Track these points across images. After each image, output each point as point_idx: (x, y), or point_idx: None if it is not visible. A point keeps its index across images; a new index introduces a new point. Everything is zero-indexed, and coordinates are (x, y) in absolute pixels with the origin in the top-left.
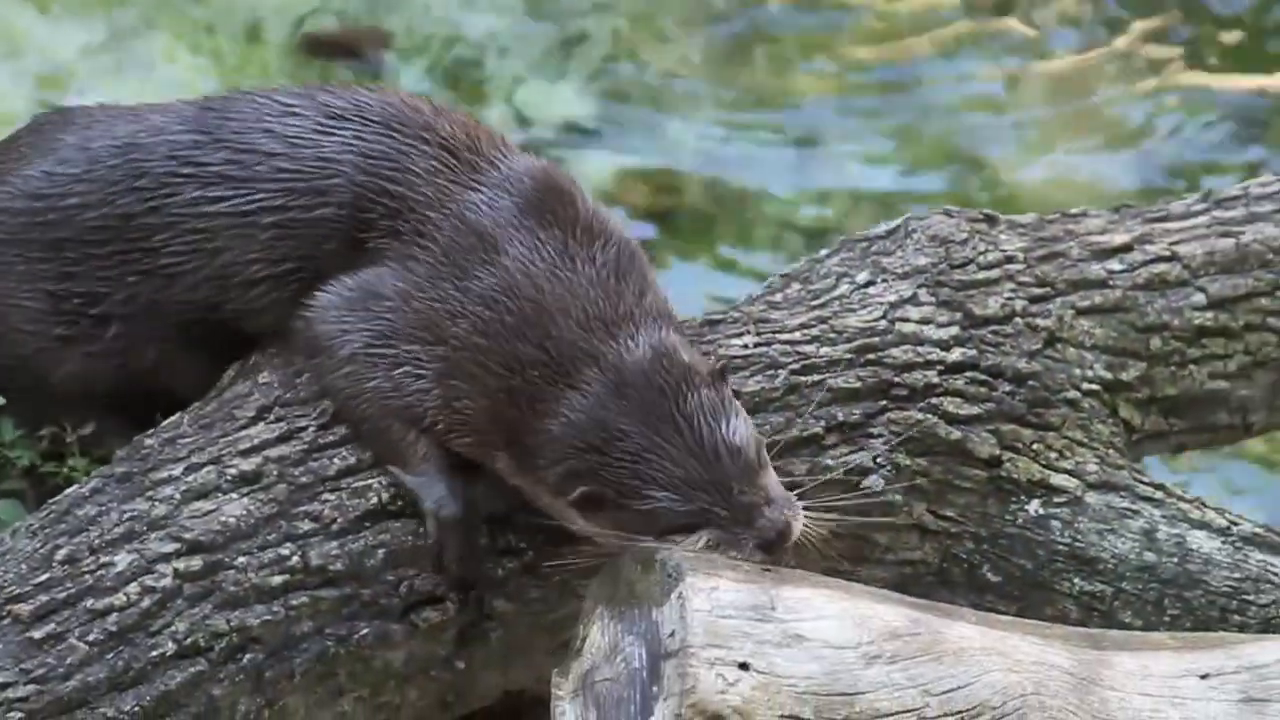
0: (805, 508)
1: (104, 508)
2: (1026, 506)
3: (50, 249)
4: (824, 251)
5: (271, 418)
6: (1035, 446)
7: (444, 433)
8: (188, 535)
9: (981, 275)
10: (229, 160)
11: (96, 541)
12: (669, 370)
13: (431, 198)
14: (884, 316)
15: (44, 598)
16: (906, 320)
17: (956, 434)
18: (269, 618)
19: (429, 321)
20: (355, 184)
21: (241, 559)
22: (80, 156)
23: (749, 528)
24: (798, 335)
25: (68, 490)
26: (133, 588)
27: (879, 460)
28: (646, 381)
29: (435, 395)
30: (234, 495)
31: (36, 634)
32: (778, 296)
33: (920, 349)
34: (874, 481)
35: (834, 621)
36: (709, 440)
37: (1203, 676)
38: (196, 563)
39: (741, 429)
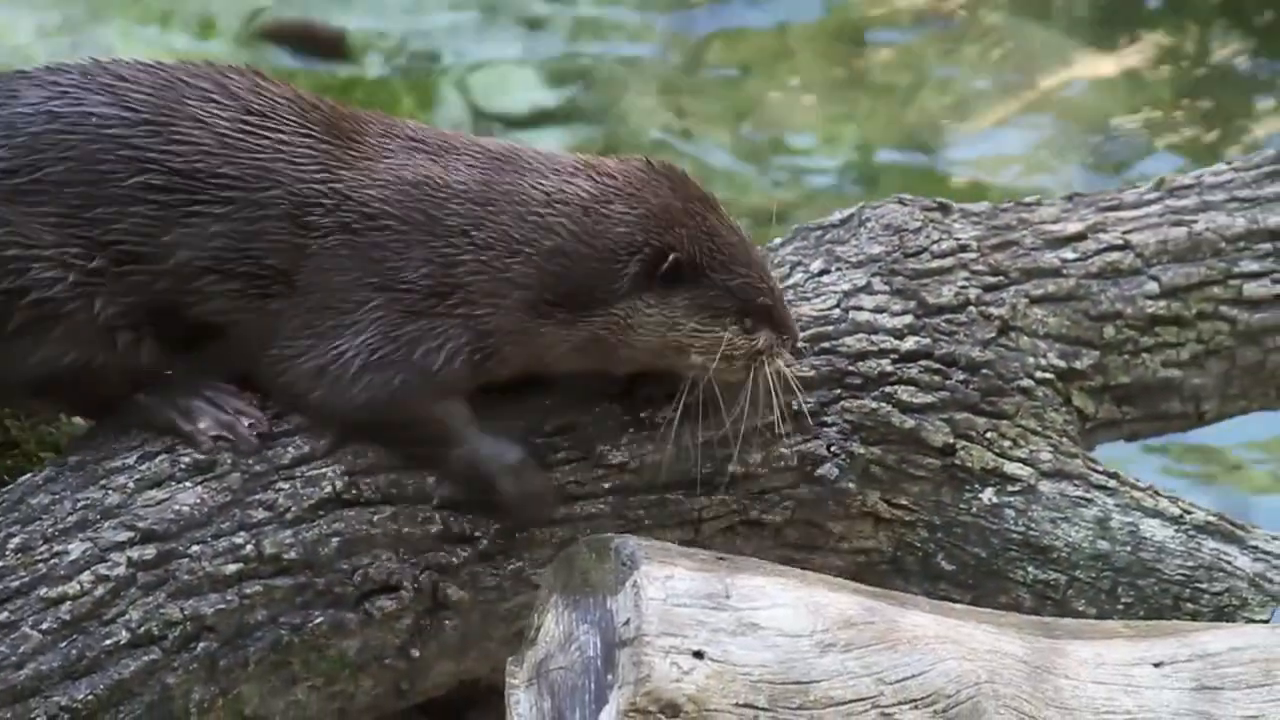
0: None
1: (57, 496)
2: (980, 495)
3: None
4: (778, 240)
5: None
6: (989, 435)
7: (490, 367)
8: (141, 524)
9: (935, 264)
10: (173, 148)
11: (50, 530)
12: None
13: (361, 180)
14: (838, 305)
15: None
16: (860, 309)
17: (910, 422)
18: (223, 606)
19: (429, 289)
20: (292, 193)
21: (195, 547)
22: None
23: (788, 327)
24: None
25: (21, 479)
26: (86, 576)
27: (833, 449)
28: (682, 179)
29: (466, 344)
30: (188, 484)
31: None
32: None
33: (874, 337)
34: (828, 470)
35: (789, 610)
36: (745, 235)
37: (1156, 665)
38: (150, 551)
39: None
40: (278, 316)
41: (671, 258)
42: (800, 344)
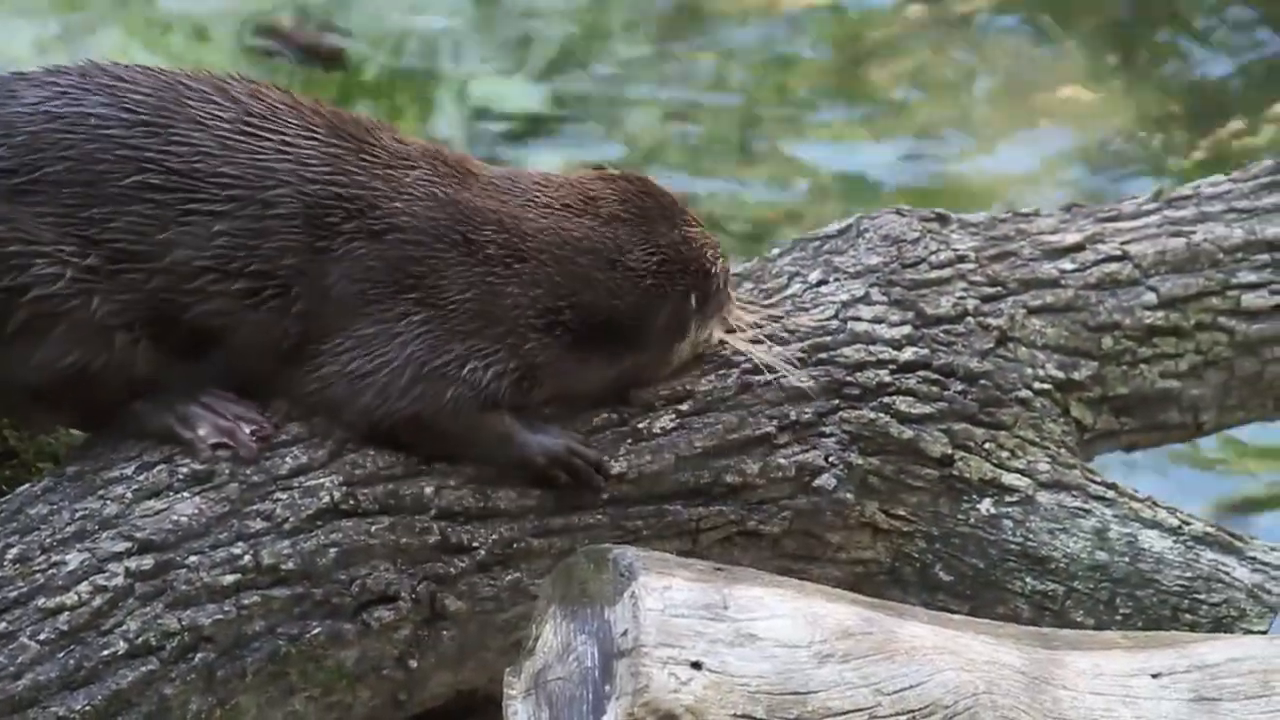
0: None
1: (55, 506)
2: (978, 505)
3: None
4: (776, 250)
5: None
6: (987, 445)
7: (533, 395)
8: (139, 534)
9: (933, 274)
10: (171, 148)
11: (48, 540)
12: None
13: (385, 190)
14: (836, 315)
15: None
16: (859, 319)
17: (909, 433)
18: (220, 617)
19: (474, 311)
20: (303, 193)
21: (193, 558)
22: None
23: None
24: (750, 334)
25: (19, 489)
26: (84, 586)
27: (831, 459)
28: (652, 194)
29: (514, 369)
30: (186, 494)
31: None
32: None
33: (872, 348)
34: (826, 480)
35: (787, 620)
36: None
37: (1154, 675)
38: (148, 561)
39: None
40: (301, 318)
41: (693, 299)
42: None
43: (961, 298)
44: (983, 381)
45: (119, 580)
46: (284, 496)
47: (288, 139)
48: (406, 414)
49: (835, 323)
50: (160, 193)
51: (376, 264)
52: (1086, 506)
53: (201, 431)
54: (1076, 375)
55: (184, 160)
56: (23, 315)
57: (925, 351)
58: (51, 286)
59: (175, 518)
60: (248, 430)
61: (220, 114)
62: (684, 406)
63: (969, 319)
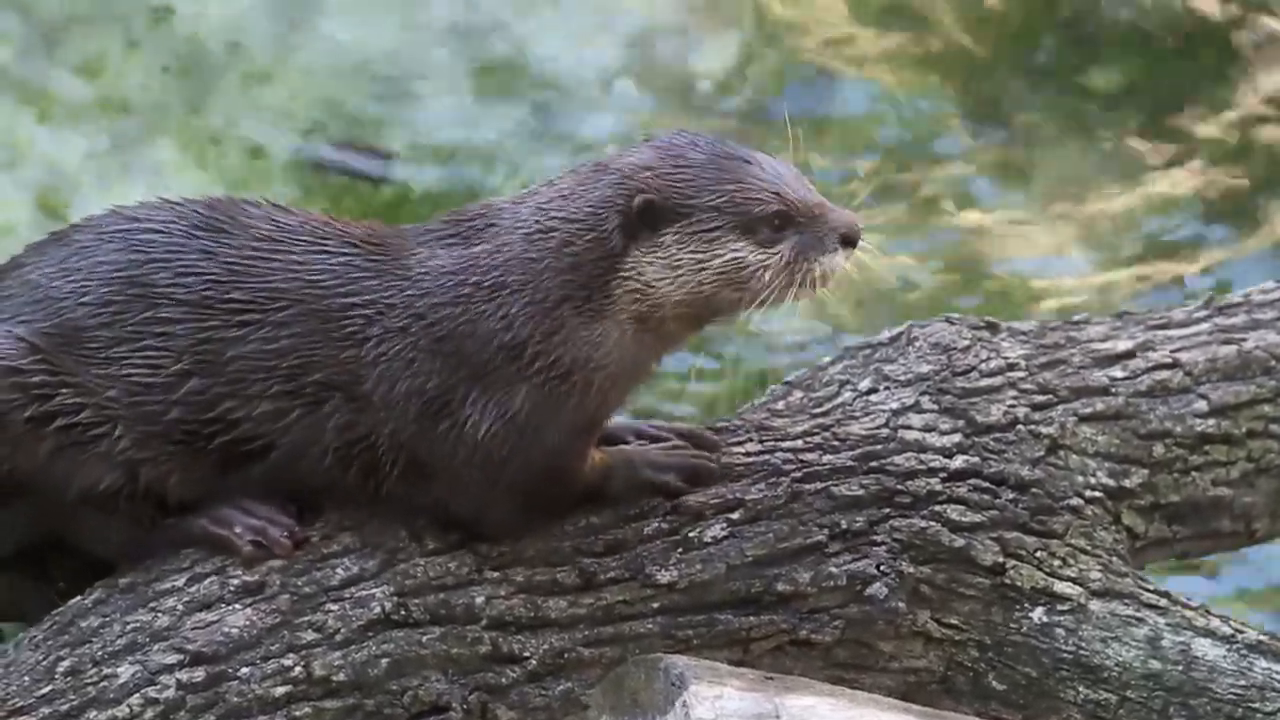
0: None
1: (107, 619)
2: (1031, 614)
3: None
4: (826, 359)
5: None
6: (1039, 554)
7: (595, 403)
8: (191, 646)
9: (984, 382)
10: (180, 280)
11: (99, 653)
12: None
13: (401, 282)
14: (887, 424)
15: (47, 710)
16: (909, 427)
17: (960, 541)
18: None
19: (507, 356)
20: (316, 310)
21: (245, 669)
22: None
23: (825, 223)
24: (800, 443)
25: (70, 601)
26: (135, 699)
27: (882, 568)
28: (672, 135)
29: (565, 393)
30: (237, 606)
31: None
32: (780, 404)
33: (923, 456)
34: (878, 589)
35: None
36: (742, 153)
37: None
38: (200, 674)
39: None
40: (342, 429)
41: (639, 198)
42: (853, 229)
43: (1012, 406)
44: (1034, 490)
45: (170, 693)
46: (335, 608)
47: (296, 258)
48: (518, 497)
49: (886, 431)
50: (170, 324)
51: (414, 356)
52: (1139, 615)
53: (237, 529)
54: (1128, 483)
55: (191, 290)
56: (50, 445)
57: (976, 460)
58: (76, 416)
59: (227, 629)
60: (280, 534)
61: (229, 242)
62: (735, 515)
63: (1020, 427)
